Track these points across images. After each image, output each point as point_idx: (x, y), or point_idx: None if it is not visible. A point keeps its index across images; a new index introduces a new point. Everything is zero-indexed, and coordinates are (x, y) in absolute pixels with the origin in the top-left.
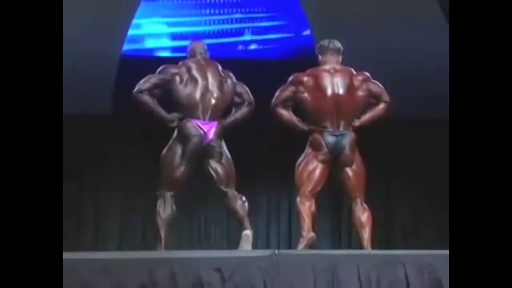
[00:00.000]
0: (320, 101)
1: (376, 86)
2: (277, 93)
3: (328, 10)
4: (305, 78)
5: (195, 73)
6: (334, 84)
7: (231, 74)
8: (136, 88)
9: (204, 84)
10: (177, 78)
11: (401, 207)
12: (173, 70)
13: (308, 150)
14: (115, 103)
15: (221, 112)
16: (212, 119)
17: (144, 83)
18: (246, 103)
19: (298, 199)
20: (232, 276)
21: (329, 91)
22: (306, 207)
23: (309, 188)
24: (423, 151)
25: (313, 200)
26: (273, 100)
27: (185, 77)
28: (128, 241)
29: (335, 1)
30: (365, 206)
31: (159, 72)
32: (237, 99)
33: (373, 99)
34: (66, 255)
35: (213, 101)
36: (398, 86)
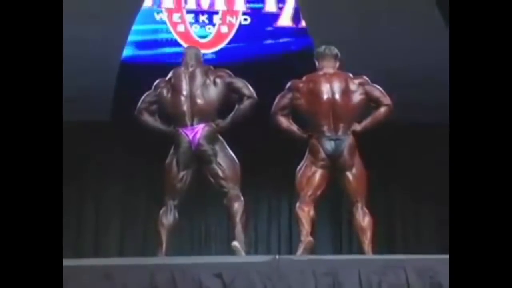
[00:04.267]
0: (316, 106)
1: (375, 90)
2: (275, 101)
3: (325, 12)
4: (301, 84)
5: (178, 82)
6: (330, 88)
7: (225, 73)
8: (136, 110)
9: (187, 91)
10: (164, 91)
11: (402, 211)
12: (161, 84)
13: (307, 156)
14: (115, 109)
15: (211, 115)
16: (200, 123)
17: (141, 104)
18: (245, 97)
19: (297, 204)
20: (233, 282)
21: (324, 96)
22: (305, 212)
23: (309, 193)
24: (424, 154)
25: (312, 205)
26: (272, 108)
27: (169, 88)
28: (129, 246)
29: (332, 3)
30: (366, 210)
31: (153, 89)
32: (235, 96)
33: (372, 102)
34: (67, 261)
35: (197, 106)
36: (397, 90)
